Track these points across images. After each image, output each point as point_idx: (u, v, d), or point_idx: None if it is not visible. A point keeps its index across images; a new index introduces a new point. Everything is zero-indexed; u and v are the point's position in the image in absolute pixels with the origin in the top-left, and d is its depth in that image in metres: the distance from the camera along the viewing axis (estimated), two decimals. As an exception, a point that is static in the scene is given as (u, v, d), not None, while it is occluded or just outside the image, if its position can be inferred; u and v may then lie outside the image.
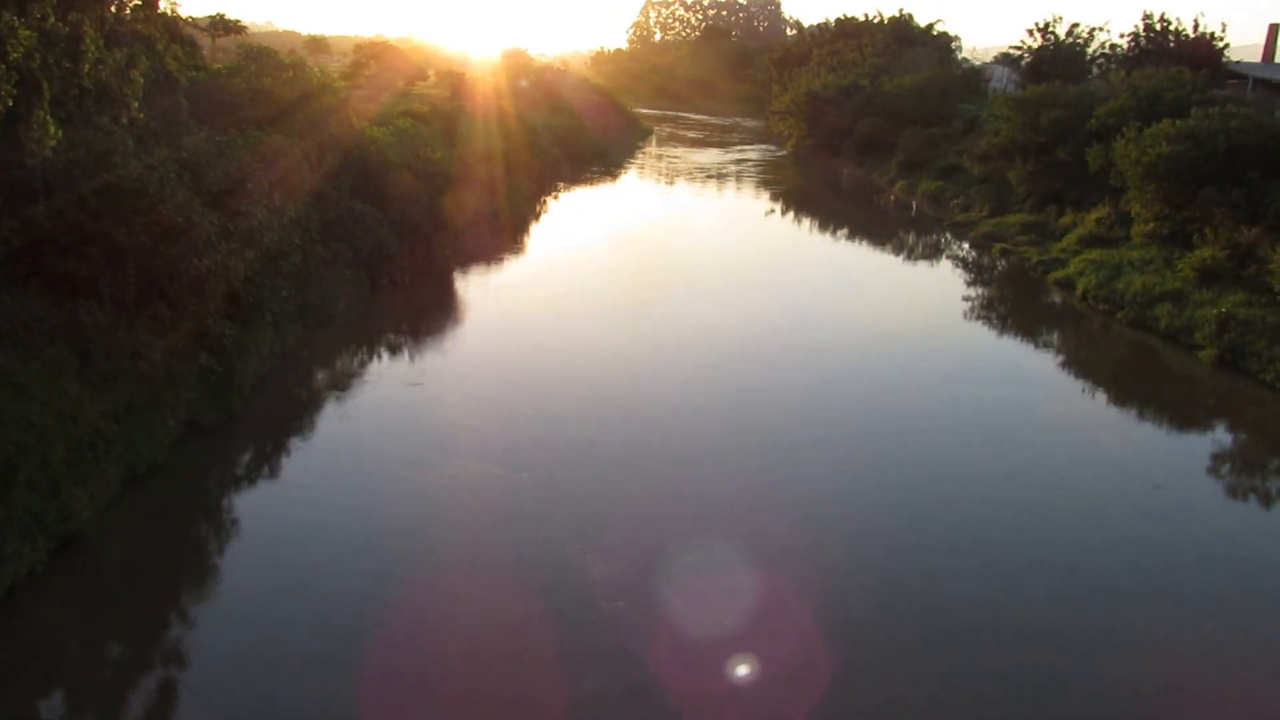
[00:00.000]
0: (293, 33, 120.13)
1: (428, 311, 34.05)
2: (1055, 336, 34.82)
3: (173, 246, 21.82)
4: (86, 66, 22.72)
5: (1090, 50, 69.73)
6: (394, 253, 36.01)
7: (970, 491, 20.94)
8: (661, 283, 38.69)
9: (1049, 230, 45.70)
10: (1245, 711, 14.55)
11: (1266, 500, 21.87)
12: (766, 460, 22.17)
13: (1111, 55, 68.18)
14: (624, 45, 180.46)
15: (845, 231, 53.26)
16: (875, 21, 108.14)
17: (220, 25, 61.36)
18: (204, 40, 56.12)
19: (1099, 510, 20.30)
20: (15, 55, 19.37)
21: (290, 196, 30.55)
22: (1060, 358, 32.18)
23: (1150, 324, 32.81)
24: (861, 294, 39.04)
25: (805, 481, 21.18)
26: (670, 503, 20.06)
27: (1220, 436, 25.87)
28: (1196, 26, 65.47)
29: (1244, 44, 69.72)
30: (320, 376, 27.58)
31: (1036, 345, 33.57)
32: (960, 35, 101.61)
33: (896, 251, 48.96)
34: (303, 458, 22.23)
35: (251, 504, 20.04)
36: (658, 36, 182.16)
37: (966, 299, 38.30)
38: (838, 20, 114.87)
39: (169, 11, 31.60)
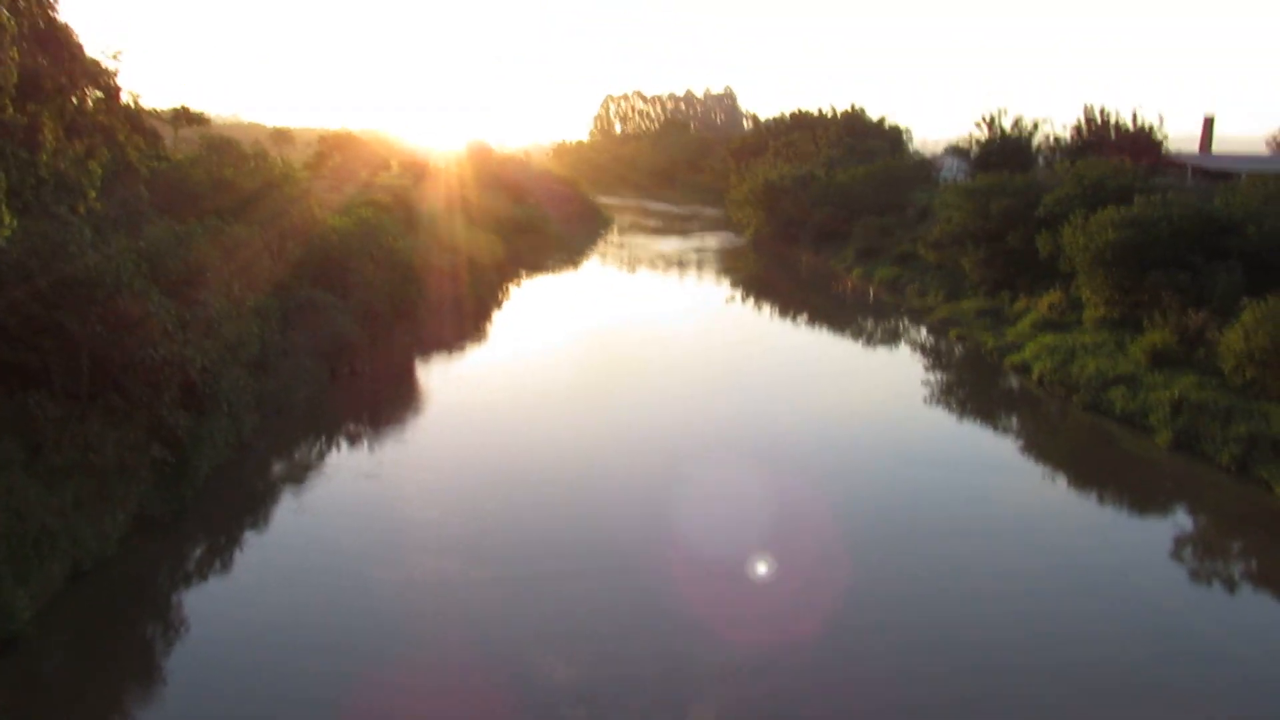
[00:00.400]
0: (257, 125, 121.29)
1: (387, 401, 33.73)
2: (1014, 421, 35.16)
3: (129, 337, 21.55)
4: (44, 156, 22.64)
5: (1035, 141, 72.22)
6: (355, 341, 35.85)
7: (927, 588, 20.61)
8: (624, 371, 38.74)
9: (1003, 315, 46.57)
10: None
11: (1230, 586, 21.90)
12: (727, 551, 22.00)
13: (1056, 146, 70.65)
14: (585, 137, 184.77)
15: (805, 317, 53.88)
16: (829, 116, 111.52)
17: (183, 116, 61.88)
18: (167, 131, 56.40)
19: (1055, 599, 20.18)
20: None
21: (251, 286, 30.45)
22: (1020, 442, 32.43)
23: (1106, 407, 33.28)
24: (822, 380, 39.30)
25: (765, 579, 21.03)
26: (634, 603, 19.61)
27: (1180, 520, 26.01)
28: (1135, 119, 68.30)
29: (1181, 135, 72.65)
30: (276, 468, 27.06)
31: (996, 429, 33.85)
32: (910, 127, 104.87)
33: (856, 337, 49.55)
34: (256, 553, 21.63)
35: (201, 601, 19.39)
36: (618, 128, 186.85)
37: (925, 384, 38.71)
38: (793, 114, 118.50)
39: (132, 104, 31.69)
